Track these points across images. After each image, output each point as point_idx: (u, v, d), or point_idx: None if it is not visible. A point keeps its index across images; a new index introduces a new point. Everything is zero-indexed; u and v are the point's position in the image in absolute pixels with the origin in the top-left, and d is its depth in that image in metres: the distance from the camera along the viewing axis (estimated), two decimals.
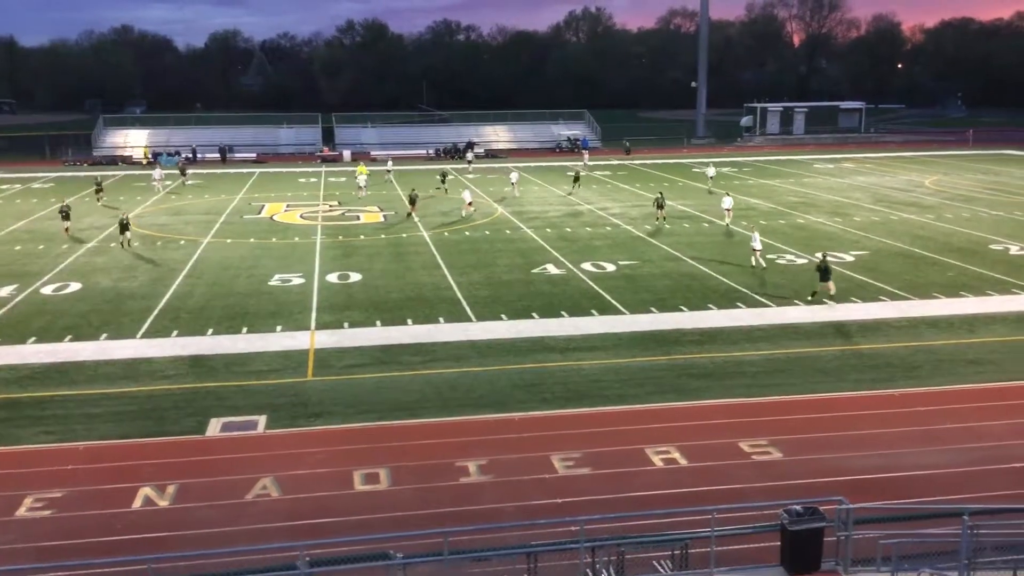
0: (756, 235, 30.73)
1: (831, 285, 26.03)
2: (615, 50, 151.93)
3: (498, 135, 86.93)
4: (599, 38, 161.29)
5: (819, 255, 27.82)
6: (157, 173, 55.00)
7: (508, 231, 38.44)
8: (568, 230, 38.61)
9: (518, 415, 18.09)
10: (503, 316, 25.07)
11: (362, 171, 53.26)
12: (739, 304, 26.11)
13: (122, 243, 34.80)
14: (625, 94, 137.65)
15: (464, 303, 26.55)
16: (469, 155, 69.07)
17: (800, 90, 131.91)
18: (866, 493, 14.22)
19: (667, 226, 39.16)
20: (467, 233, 38.08)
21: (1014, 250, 33.04)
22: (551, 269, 31.01)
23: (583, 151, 71.39)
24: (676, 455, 16.15)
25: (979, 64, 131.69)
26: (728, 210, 39.01)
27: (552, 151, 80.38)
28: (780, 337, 23.07)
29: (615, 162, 69.12)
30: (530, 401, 18.84)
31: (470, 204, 42.42)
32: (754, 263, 30.36)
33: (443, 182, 52.76)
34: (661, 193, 42.83)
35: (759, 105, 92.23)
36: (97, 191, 47.87)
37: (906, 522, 12.07)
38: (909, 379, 19.96)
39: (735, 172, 61.11)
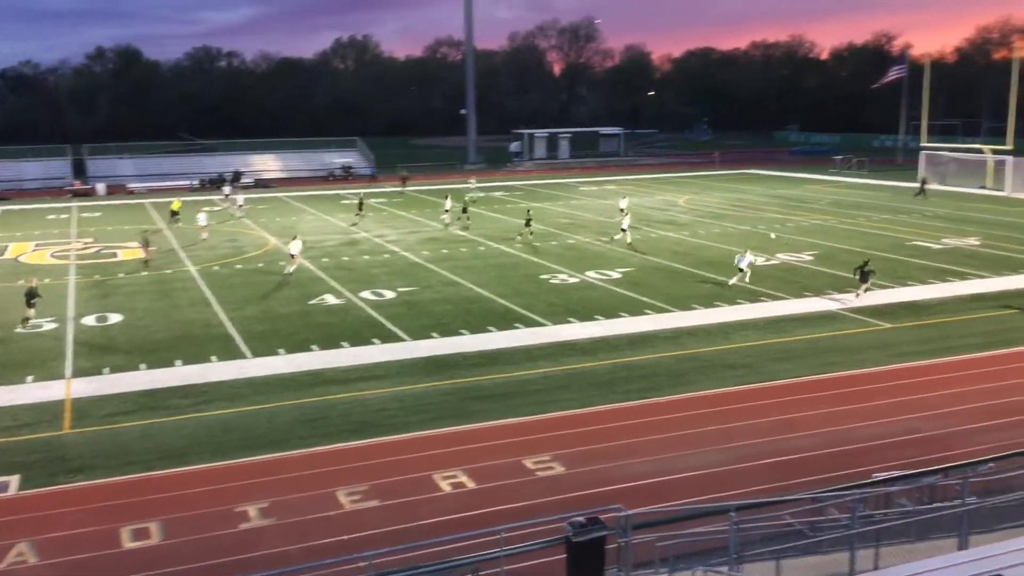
0: (747, 256, 31.73)
1: (863, 287, 29.25)
2: (384, 78, 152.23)
3: (267, 164, 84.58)
4: (367, 66, 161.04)
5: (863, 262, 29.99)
6: None
7: (283, 262, 37.35)
8: (345, 259, 38.08)
9: (300, 452, 17.51)
10: (281, 350, 24.26)
11: (177, 206, 49.67)
12: (518, 325, 26.71)
13: (24, 319, 27.01)
14: (396, 121, 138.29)
15: (238, 339, 25.47)
16: (226, 188, 62.95)
17: (563, 116, 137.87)
18: (643, 498, 14.84)
19: (536, 245, 40.41)
20: (239, 267, 36.65)
21: (759, 261, 35.92)
22: (330, 299, 30.42)
23: (469, 174, 67.41)
24: (463, 479, 16.19)
25: (721, 90, 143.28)
26: (624, 229, 40.58)
27: (325, 179, 79.28)
28: (558, 354, 23.79)
29: (390, 189, 69.11)
30: (312, 436, 18.29)
31: (294, 257, 35.19)
32: (732, 281, 31.27)
33: (360, 208, 50.62)
34: (529, 211, 45.15)
35: (526, 131, 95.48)
36: None
37: (680, 523, 12.69)
38: (676, 386, 21.15)
39: (507, 196, 62.76)
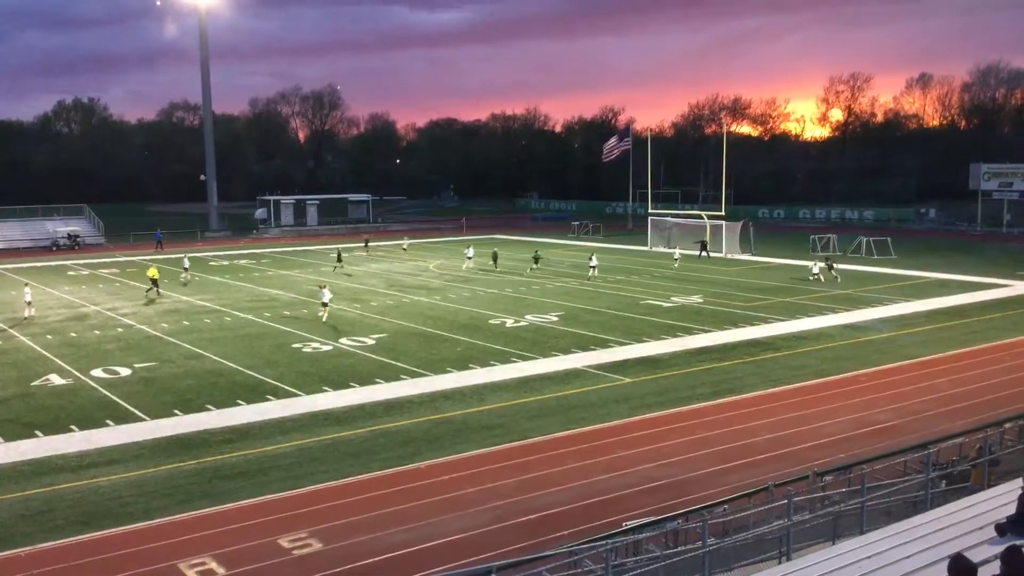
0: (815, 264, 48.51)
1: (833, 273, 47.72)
2: (115, 142, 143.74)
3: None
4: (95, 129, 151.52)
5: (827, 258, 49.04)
6: None
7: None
8: (73, 335, 35.16)
9: (24, 550, 15.73)
10: None
11: (153, 274, 45.55)
12: (269, 397, 25.74)
13: None
14: (130, 187, 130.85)
15: None
16: None
17: (310, 183, 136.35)
18: (405, 568, 14.64)
19: (286, 313, 38.63)
20: None
21: (509, 323, 37.06)
22: (55, 379, 27.88)
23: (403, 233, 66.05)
24: (213, 565, 15.20)
25: (465, 159, 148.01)
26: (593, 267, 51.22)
27: (48, 250, 73.34)
28: (312, 425, 23.12)
29: (123, 259, 64.98)
30: (38, 532, 16.51)
31: (326, 305, 36.55)
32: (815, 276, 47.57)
33: (339, 260, 56.12)
34: (495, 251, 57.02)
35: (272, 198, 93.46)
36: None
37: None
38: (433, 451, 21.15)
39: (254, 264, 60.86)
